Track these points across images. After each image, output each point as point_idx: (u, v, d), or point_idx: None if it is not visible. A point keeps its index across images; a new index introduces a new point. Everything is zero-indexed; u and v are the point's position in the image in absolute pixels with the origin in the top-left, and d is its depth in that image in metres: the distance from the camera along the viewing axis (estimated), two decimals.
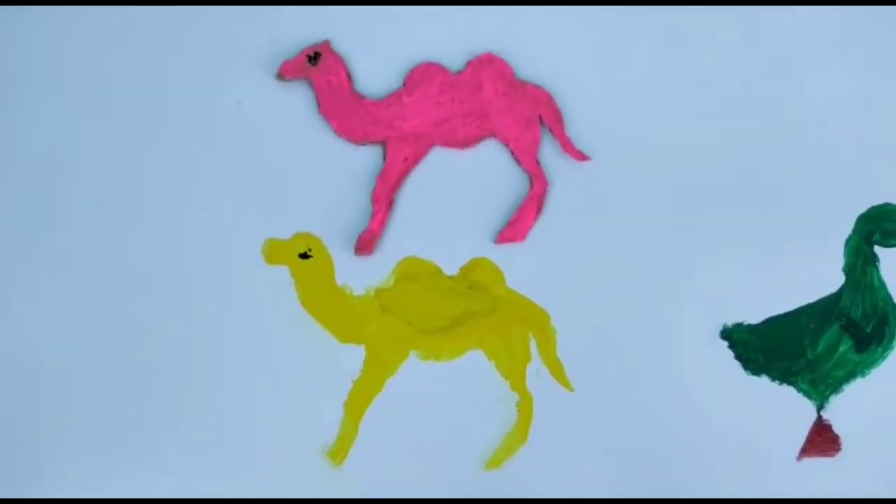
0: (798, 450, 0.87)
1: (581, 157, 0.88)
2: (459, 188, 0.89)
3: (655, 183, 0.89)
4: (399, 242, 0.90)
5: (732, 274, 0.89)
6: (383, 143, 0.89)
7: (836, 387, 0.88)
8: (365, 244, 0.89)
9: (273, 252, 0.90)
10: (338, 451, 0.86)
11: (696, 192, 0.89)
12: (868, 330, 0.88)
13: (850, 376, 0.88)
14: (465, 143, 0.89)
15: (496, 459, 0.86)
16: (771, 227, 0.90)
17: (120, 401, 0.87)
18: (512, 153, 0.89)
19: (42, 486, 0.86)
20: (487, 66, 0.90)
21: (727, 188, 0.89)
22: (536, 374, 0.88)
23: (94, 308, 0.88)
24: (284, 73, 0.89)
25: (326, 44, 0.91)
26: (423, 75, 0.90)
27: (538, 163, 0.89)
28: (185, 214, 0.89)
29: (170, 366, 0.88)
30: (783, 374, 0.88)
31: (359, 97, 0.90)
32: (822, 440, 0.87)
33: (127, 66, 0.90)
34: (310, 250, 0.90)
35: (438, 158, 0.90)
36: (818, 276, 0.89)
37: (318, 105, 0.89)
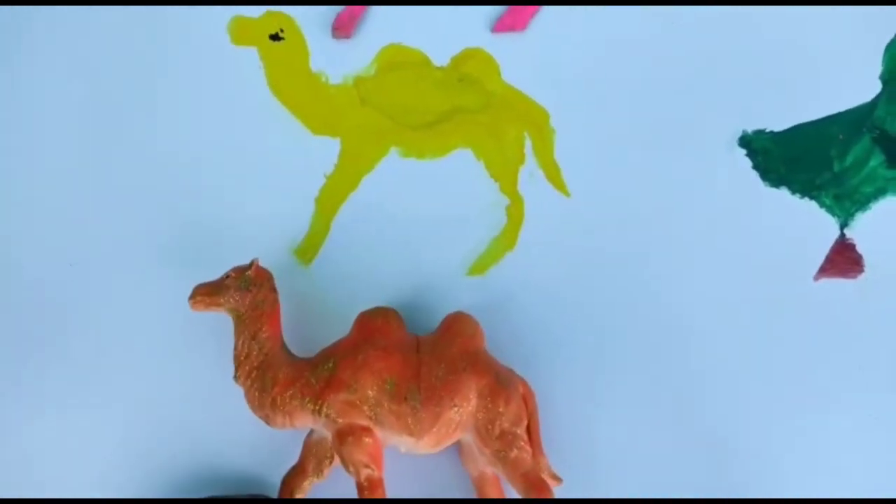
0: (816, 269, 0.78)
1: None
2: None
3: None
4: (383, 26, 0.80)
5: (755, 75, 0.79)
6: None
7: (862, 204, 0.79)
8: (344, 24, 0.79)
9: (240, 31, 0.81)
10: (307, 250, 0.78)
11: None
12: None
13: (879, 193, 0.79)
14: None
15: (480, 265, 0.77)
16: (804, 25, 0.79)
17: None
18: None
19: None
20: None
21: None
22: (530, 176, 0.79)
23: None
24: None
25: None
26: None
27: None
28: None
29: (136, 157, 0.79)
30: (805, 187, 0.79)
31: None
32: (843, 260, 0.78)
33: None
34: (281, 31, 0.81)
35: None
36: (852, 81, 0.79)
37: None
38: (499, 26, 0.79)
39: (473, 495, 0.72)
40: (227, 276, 0.72)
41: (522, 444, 0.69)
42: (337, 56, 0.80)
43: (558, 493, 0.70)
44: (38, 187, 0.79)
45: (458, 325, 0.72)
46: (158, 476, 0.75)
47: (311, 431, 0.72)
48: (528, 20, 0.79)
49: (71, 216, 0.78)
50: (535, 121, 0.79)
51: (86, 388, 0.76)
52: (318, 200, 0.78)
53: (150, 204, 0.78)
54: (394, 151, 0.79)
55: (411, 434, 0.69)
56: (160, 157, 0.79)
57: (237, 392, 0.71)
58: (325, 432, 0.71)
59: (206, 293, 0.71)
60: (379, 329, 0.71)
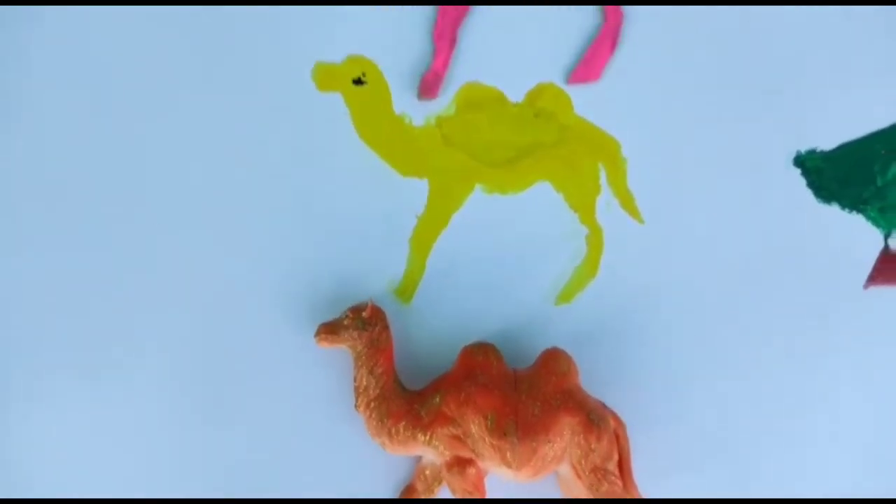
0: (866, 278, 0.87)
1: None
2: (526, 19, 0.83)
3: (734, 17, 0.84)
4: (461, 75, 0.84)
5: (808, 99, 0.85)
6: None
7: None
8: (429, 86, 0.82)
9: (325, 77, 0.83)
10: (405, 289, 0.83)
11: (773, 17, 0.84)
12: None
13: None
14: None
15: (567, 293, 0.84)
16: (848, 52, 0.86)
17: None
18: None
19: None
20: None
21: (803, 18, 0.85)
22: (606, 205, 0.85)
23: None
24: None
25: None
26: None
27: None
28: (232, 36, 0.82)
29: (222, 202, 0.83)
30: (853, 202, 0.87)
31: None
32: (888, 268, 0.87)
33: None
34: (363, 75, 0.84)
35: None
36: (891, 98, 0.86)
37: None
38: (574, 77, 0.83)
39: None
40: (345, 315, 0.78)
41: (613, 478, 0.77)
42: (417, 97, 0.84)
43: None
44: (156, 233, 0.82)
45: (553, 363, 0.79)
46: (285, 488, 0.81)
47: (421, 457, 0.80)
48: (602, 70, 0.83)
49: (200, 267, 0.82)
50: (608, 151, 0.85)
51: (223, 414, 0.81)
52: (412, 241, 0.83)
53: (261, 250, 0.83)
54: (478, 188, 0.84)
55: (510, 467, 0.76)
56: (265, 206, 0.83)
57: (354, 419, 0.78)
58: (434, 458, 0.78)
59: (329, 332, 0.78)
60: (480, 365, 0.78)
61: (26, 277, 0.81)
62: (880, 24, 0.86)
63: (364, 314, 0.78)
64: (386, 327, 0.79)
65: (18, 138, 0.82)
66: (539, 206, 0.84)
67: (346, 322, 0.78)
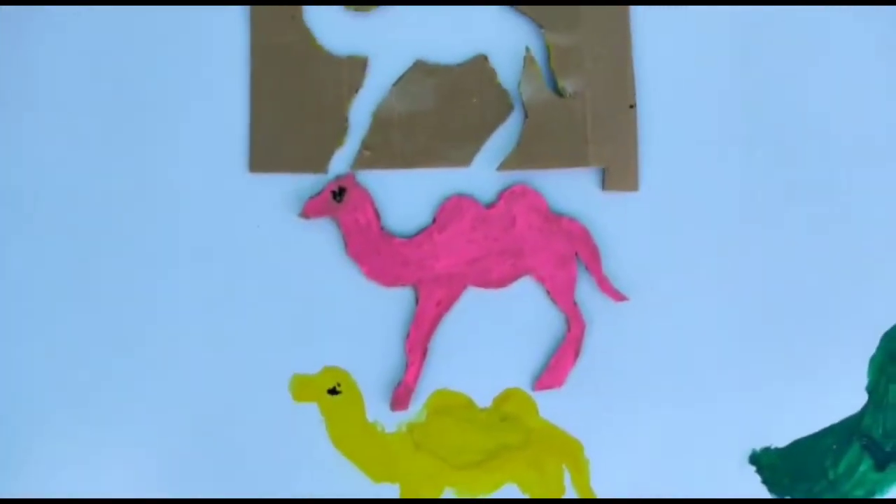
0: None
1: (619, 297, 0.87)
2: (494, 329, 0.87)
3: (693, 321, 0.88)
4: (431, 383, 0.88)
5: (759, 398, 0.90)
6: (415, 286, 0.86)
7: None
8: (400, 399, 0.86)
9: (301, 388, 0.88)
10: None
11: (727, 325, 0.89)
12: (888, 448, 0.91)
13: (869, 495, 0.91)
14: (500, 282, 0.87)
15: None
16: (795, 349, 0.90)
17: None
18: (548, 292, 0.87)
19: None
20: (520, 199, 0.86)
21: (754, 316, 0.89)
22: None
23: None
24: (308, 213, 0.84)
25: (351, 177, 0.86)
26: (454, 210, 0.86)
27: (575, 304, 0.87)
28: (211, 350, 0.86)
29: None
30: (806, 496, 0.91)
31: (388, 237, 0.86)
32: None
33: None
34: (338, 385, 0.88)
35: (472, 298, 0.87)
36: (844, 395, 0.91)
37: (346, 246, 0.85)
38: (539, 385, 0.88)
39: None
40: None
41: None
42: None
43: None
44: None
45: None
46: None
47: None
48: (565, 377, 0.87)
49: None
50: (572, 453, 0.89)
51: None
52: None
53: None
54: (448, 491, 0.88)
55: None
56: None
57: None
58: None
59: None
60: None
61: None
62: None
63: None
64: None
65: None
66: None
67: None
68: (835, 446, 0.91)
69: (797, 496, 0.91)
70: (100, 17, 0.88)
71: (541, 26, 0.88)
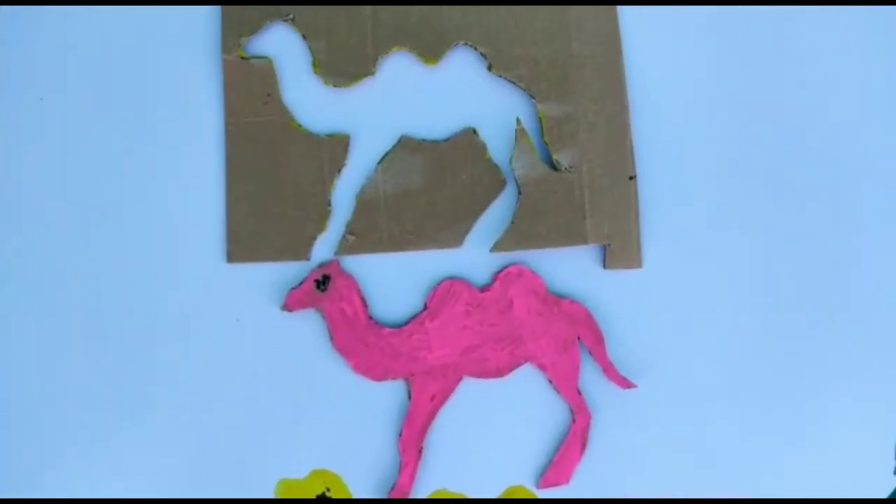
0: None
1: (626, 384, 0.80)
2: (494, 422, 0.81)
3: (708, 406, 0.82)
4: (429, 483, 0.82)
5: (778, 482, 0.83)
6: (407, 379, 0.80)
7: None
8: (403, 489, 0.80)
9: (288, 494, 0.81)
10: None
11: (745, 407, 0.83)
12: None
13: None
14: (499, 372, 0.81)
15: None
16: (816, 424, 0.84)
17: None
18: (550, 381, 0.81)
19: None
20: (517, 281, 0.81)
21: (773, 398, 0.83)
22: None
23: None
24: (291, 306, 0.79)
25: (335, 264, 0.80)
26: (446, 295, 0.80)
27: (579, 392, 0.80)
28: (190, 455, 0.80)
29: None
30: None
31: (377, 327, 0.80)
32: None
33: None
34: (328, 490, 0.81)
35: (469, 390, 0.81)
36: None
37: (332, 338, 0.79)
38: (544, 482, 0.81)
39: None
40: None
41: None
42: None
43: None
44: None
45: None
46: None
47: None
48: (572, 473, 0.81)
49: None
50: None
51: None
52: None
53: None
54: None
55: None
56: None
57: None
58: None
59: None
60: None
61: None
62: None
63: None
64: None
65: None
66: None
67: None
68: None
69: None
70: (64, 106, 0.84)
71: (531, 96, 0.83)
